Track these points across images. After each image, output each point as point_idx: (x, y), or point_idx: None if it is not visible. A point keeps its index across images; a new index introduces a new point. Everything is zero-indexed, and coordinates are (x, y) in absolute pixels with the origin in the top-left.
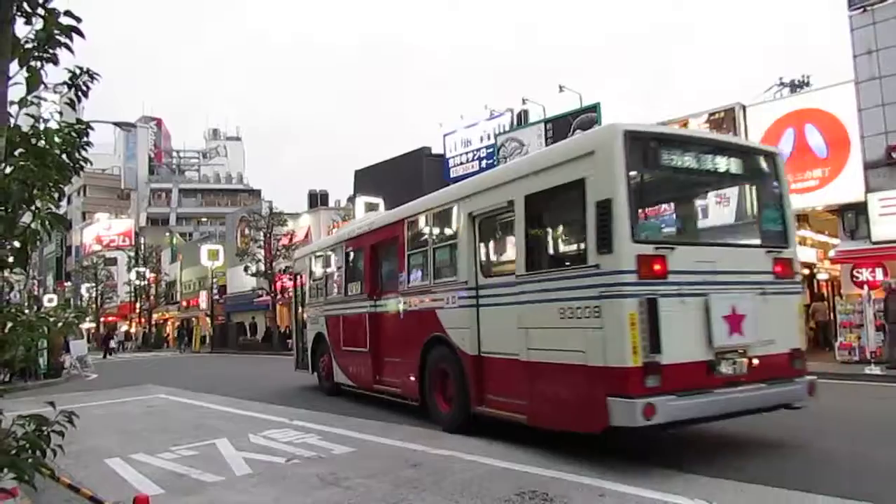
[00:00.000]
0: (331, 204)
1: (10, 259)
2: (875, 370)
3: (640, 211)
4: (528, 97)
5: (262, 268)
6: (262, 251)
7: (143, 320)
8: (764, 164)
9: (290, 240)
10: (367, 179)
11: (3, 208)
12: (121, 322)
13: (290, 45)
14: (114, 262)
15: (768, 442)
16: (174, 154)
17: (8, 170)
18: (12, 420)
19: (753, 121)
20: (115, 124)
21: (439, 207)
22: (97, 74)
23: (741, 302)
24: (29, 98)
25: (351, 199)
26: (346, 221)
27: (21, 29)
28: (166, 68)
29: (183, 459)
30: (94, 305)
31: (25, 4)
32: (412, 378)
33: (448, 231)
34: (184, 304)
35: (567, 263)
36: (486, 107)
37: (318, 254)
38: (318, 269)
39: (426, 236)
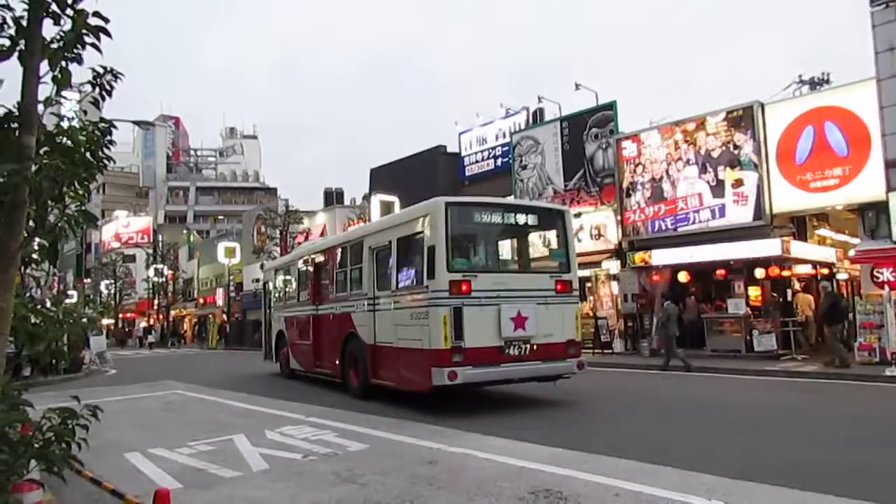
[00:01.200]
0: (346, 202)
1: (36, 256)
2: None
3: (457, 250)
4: (544, 95)
5: None
6: (279, 249)
7: (161, 317)
8: (553, 218)
9: (306, 238)
10: (383, 178)
11: (33, 206)
12: (139, 318)
13: (309, 46)
14: (132, 259)
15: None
16: (191, 152)
17: (34, 168)
18: (42, 413)
19: (772, 119)
20: (134, 123)
21: (354, 240)
22: (121, 74)
23: (525, 308)
24: (53, 97)
25: (366, 198)
26: (362, 220)
27: (48, 29)
28: (184, 68)
29: (201, 454)
30: (113, 302)
31: (54, 5)
32: (337, 362)
33: (358, 258)
34: (201, 301)
35: (415, 283)
36: (501, 105)
37: (280, 268)
38: (280, 281)
39: (346, 260)
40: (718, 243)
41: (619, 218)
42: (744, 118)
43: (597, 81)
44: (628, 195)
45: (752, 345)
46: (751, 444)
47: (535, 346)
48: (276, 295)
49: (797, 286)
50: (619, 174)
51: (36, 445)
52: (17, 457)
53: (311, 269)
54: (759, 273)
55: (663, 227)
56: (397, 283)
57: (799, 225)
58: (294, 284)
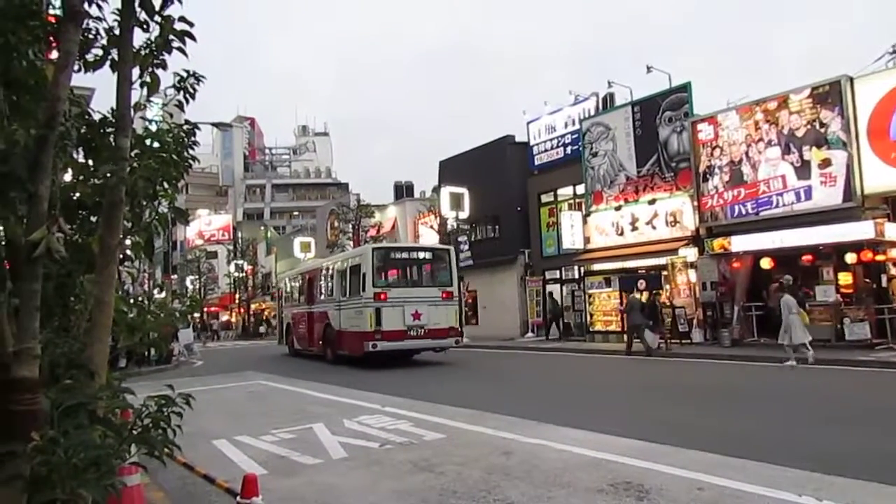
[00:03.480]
0: (416, 195)
1: (129, 252)
2: None
3: (380, 275)
4: (614, 80)
5: None
6: (351, 242)
7: (242, 310)
8: (442, 253)
9: (378, 231)
10: (452, 169)
11: (127, 205)
12: (221, 312)
13: (378, 39)
14: (214, 255)
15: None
16: (267, 151)
17: (129, 169)
18: (143, 400)
19: (862, 94)
20: (213, 125)
21: (330, 265)
22: (202, 77)
23: (421, 308)
24: (143, 102)
25: (436, 190)
26: (432, 212)
27: (136, 37)
28: (256, 70)
29: (283, 442)
30: (198, 297)
31: (144, 14)
32: (320, 342)
33: (331, 276)
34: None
35: (357, 293)
36: (570, 92)
37: (290, 278)
38: (289, 287)
39: (326, 276)
40: (804, 227)
41: (695, 203)
42: (830, 94)
43: (669, 62)
44: (705, 179)
45: (843, 334)
46: (843, 438)
47: (427, 330)
48: (286, 297)
49: (893, 271)
50: (695, 158)
51: (135, 431)
52: (121, 441)
53: (307, 281)
54: (850, 258)
55: (743, 212)
56: (350, 292)
57: (894, 206)
58: (298, 290)
